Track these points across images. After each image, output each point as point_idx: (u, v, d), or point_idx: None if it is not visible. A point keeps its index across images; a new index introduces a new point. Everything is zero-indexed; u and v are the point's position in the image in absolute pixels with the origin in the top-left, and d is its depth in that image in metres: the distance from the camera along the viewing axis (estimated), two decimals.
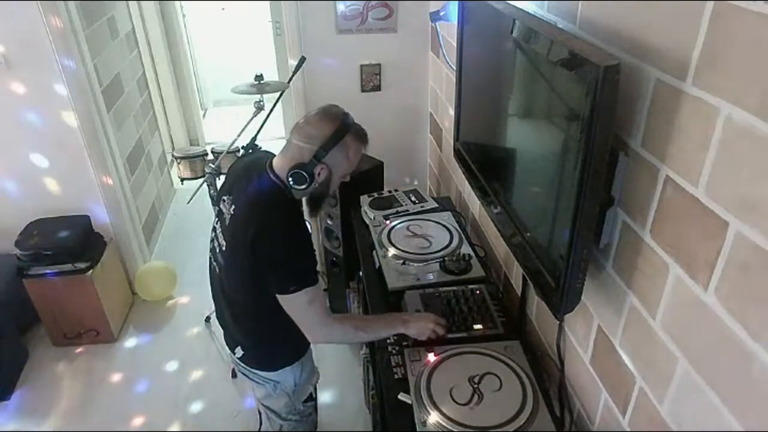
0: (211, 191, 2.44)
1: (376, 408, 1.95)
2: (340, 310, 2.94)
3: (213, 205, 1.61)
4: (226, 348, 1.73)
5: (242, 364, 1.66)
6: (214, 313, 1.75)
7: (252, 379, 1.67)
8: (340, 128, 1.41)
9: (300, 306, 1.42)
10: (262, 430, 1.85)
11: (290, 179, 1.38)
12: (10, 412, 2.53)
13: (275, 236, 1.38)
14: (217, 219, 1.57)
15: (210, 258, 1.63)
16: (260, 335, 1.59)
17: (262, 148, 2.65)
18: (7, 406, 2.55)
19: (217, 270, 1.57)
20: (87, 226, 2.90)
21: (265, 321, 1.53)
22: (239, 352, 1.62)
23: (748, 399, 0.79)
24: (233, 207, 1.46)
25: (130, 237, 3.17)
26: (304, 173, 1.37)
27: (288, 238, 1.40)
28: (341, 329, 1.52)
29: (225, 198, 1.53)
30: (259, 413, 1.83)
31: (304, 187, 1.39)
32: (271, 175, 1.43)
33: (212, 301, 1.70)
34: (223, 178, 1.68)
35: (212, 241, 1.60)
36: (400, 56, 2.89)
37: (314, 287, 1.41)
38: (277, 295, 1.41)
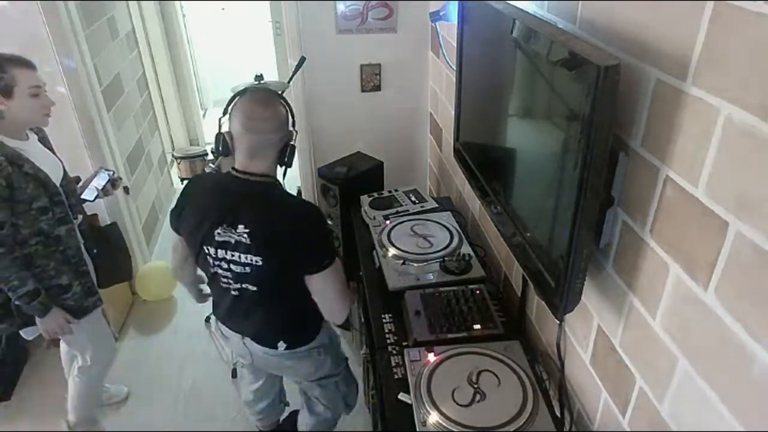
0: None
1: (376, 408, 1.95)
2: None
3: (194, 245, 1.57)
4: (226, 349, 1.77)
5: (286, 355, 1.68)
6: (237, 340, 1.72)
7: (298, 366, 1.73)
8: (286, 103, 1.55)
9: (333, 277, 1.51)
10: (312, 413, 1.99)
11: (284, 167, 1.51)
12: (10, 412, 2.53)
13: (308, 224, 1.49)
14: (217, 250, 1.50)
15: (224, 288, 1.58)
16: (300, 315, 1.67)
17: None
18: (7, 406, 2.55)
19: (242, 292, 1.56)
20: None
21: (301, 301, 1.59)
22: (282, 346, 1.65)
23: (748, 399, 0.79)
24: (246, 230, 1.43)
25: (130, 237, 3.17)
26: (290, 155, 1.50)
27: (317, 219, 1.52)
28: (350, 296, 1.64)
29: (220, 230, 1.47)
30: (306, 398, 1.96)
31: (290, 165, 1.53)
32: (266, 180, 1.48)
33: (224, 326, 1.73)
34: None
35: (224, 271, 1.54)
36: (400, 56, 2.89)
37: (336, 257, 1.53)
38: (311, 276, 1.49)
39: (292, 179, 3.60)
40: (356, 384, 1.99)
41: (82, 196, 2.00)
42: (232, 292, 1.57)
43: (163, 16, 4.64)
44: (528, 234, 1.30)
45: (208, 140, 5.18)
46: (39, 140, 1.89)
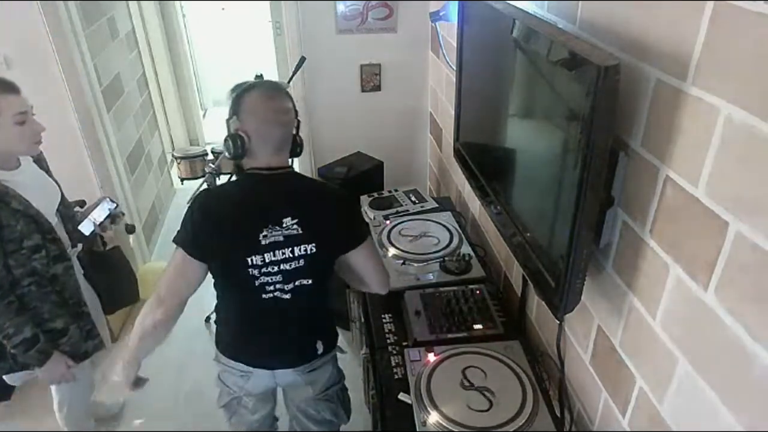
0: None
1: (376, 408, 1.95)
2: (340, 309, 2.93)
3: (234, 264, 1.43)
4: (232, 388, 1.70)
5: (317, 365, 1.63)
6: (261, 375, 1.63)
7: (320, 377, 1.67)
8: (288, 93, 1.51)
9: (373, 246, 1.56)
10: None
11: (294, 157, 1.52)
12: (10, 412, 2.52)
13: (345, 202, 1.53)
14: (264, 255, 1.41)
15: (268, 304, 1.48)
16: (330, 314, 1.69)
17: None
18: (8, 406, 2.55)
19: (296, 291, 1.49)
20: None
21: (329, 298, 1.62)
22: (320, 347, 1.60)
23: (748, 399, 0.79)
24: (294, 220, 1.41)
25: (130, 237, 3.16)
26: (301, 145, 1.51)
27: (349, 197, 1.57)
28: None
29: (266, 233, 1.40)
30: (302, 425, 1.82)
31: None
32: (289, 170, 1.48)
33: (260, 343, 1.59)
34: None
35: (274, 276, 1.45)
36: (400, 56, 2.89)
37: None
38: (356, 251, 1.48)
39: None
40: (348, 389, 1.89)
41: (79, 227, 1.84)
42: (285, 296, 1.47)
43: (163, 16, 4.64)
44: (528, 234, 1.30)
45: (208, 140, 5.17)
46: (35, 161, 1.75)
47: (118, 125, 3.23)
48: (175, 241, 1.42)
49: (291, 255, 1.43)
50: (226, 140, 1.39)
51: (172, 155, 4.65)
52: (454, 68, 1.81)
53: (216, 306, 1.62)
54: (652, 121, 0.96)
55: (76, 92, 2.67)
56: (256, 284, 1.45)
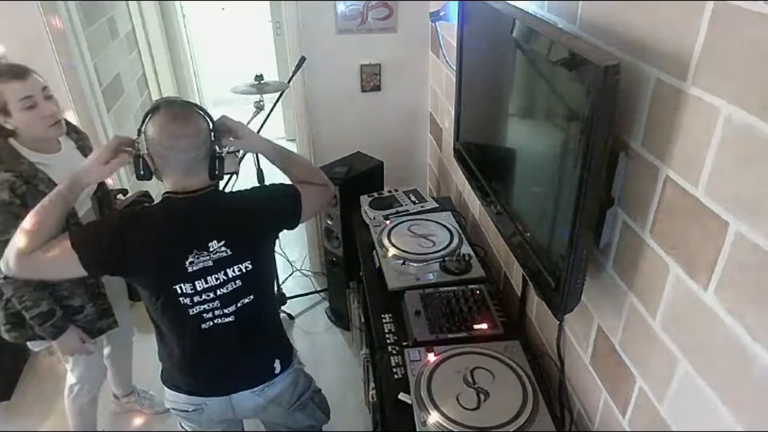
0: None
1: (376, 408, 1.95)
2: (340, 310, 2.94)
3: (157, 292, 1.38)
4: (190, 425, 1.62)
5: (277, 383, 1.57)
6: (218, 404, 1.54)
7: (285, 392, 1.61)
8: (204, 112, 1.39)
9: (306, 190, 1.49)
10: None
11: (215, 180, 1.40)
12: (10, 412, 2.52)
13: (261, 191, 1.53)
14: (194, 283, 1.35)
15: (207, 333, 1.42)
16: (281, 327, 1.64)
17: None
18: (8, 406, 2.55)
19: (239, 313, 1.44)
20: None
21: (276, 311, 1.58)
22: (278, 366, 1.55)
23: (748, 399, 0.79)
24: (220, 242, 1.35)
25: None
26: (221, 168, 1.38)
27: (263, 186, 1.58)
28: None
29: (192, 259, 1.33)
30: None
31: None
32: (209, 190, 1.38)
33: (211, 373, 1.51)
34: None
35: (210, 302, 1.39)
36: (400, 56, 2.89)
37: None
38: (302, 212, 1.47)
39: None
40: (320, 389, 1.83)
41: None
42: (227, 320, 1.42)
43: (163, 16, 4.64)
44: (528, 234, 1.30)
45: None
46: (77, 146, 1.79)
47: (118, 125, 3.23)
48: (75, 235, 1.31)
49: (225, 278, 1.37)
50: (134, 159, 1.35)
51: None
52: (454, 68, 1.81)
53: (156, 338, 1.51)
54: (652, 121, 0.96)
55: (76, 92, 2.67)
56: (191, 314, 1.38)
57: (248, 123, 2.46)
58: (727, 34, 0.76)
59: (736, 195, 0.77)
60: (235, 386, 1.53)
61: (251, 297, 1.44)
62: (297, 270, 3.41)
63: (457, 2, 1.82)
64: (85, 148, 1.83)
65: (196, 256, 1.33)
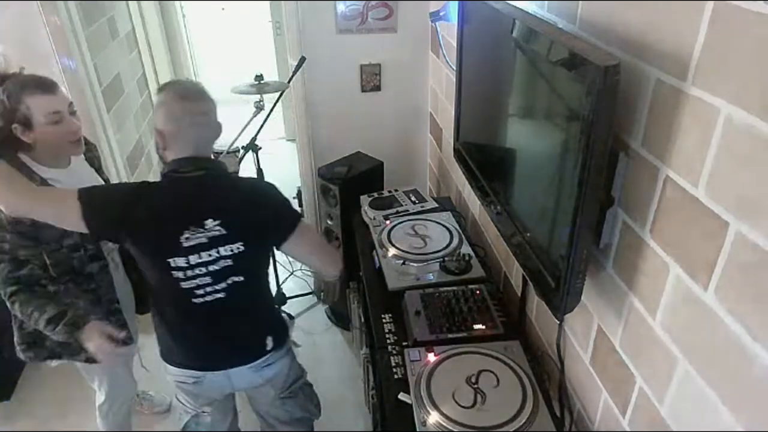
0: None
1: (376, 408, 1.95)
2: (340, 310, 2.94)
3: (154, 265, 1.44)
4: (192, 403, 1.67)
5: (271, 360, 1.63)
6: (217, 379, 1.61)
7: (279, 371, 1.68)
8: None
9: (309, 230, 1.56)
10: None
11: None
12: (10, 412, 2.53)
13: (270, 193, 1.50)
14: (188, 257, 1.40)
15: (201, 308, 1.47)
16: (274, 309, 1.70)
17: (261, 148, 2.66)
18: (7, 406, 2.55)
19: (230, 290, 1.48)
20: None
21: (269, 293, 1.62)
22: (270, 343, 1.61)
23: (748, 399, 0.79)
24: (217, 221, 1.39)
25: None
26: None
27: (274, 189, 1.51)
28: (333, 248, 1.77)
29: (187, 235, 1.38)
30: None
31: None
32: (214, 167, 1.46)
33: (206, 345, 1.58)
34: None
35: (202, 277, 1.43)
36: (400, 56, 2.89)
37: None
38: (290, 239, 1.48)
39: (292, 179, 3.60)
40: (311, 384, 1.88)
41: None
42: (218, 296, 1.47)
43: (163, 16, 4.65)
44: (528, 234, 1.30)
45: None
46: (87, 159, 1.76)
47: (118, 125, 3.23)
48: (85, 190, 1.37)
49: (217, 255, 1.43)
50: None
51: None
52: (454, 68, 1.81)
53: (152, 314, 1.59)
54: (652, 121, 0.96)
55: (76, 92, 2.66)
56: (183, 287, 1.43)
57: (248, 123, 2.48)
58: (727, 34, 0.76)
59: (737, 195, 0.77)
60: (230, 361, 1.59)
61: (241, 277, 1.49)
62: (297, 270, 3.41)
63: (457, 2, 1.82)
64: (93, 159, 1.80)
65: (192, 232, 1.38)
